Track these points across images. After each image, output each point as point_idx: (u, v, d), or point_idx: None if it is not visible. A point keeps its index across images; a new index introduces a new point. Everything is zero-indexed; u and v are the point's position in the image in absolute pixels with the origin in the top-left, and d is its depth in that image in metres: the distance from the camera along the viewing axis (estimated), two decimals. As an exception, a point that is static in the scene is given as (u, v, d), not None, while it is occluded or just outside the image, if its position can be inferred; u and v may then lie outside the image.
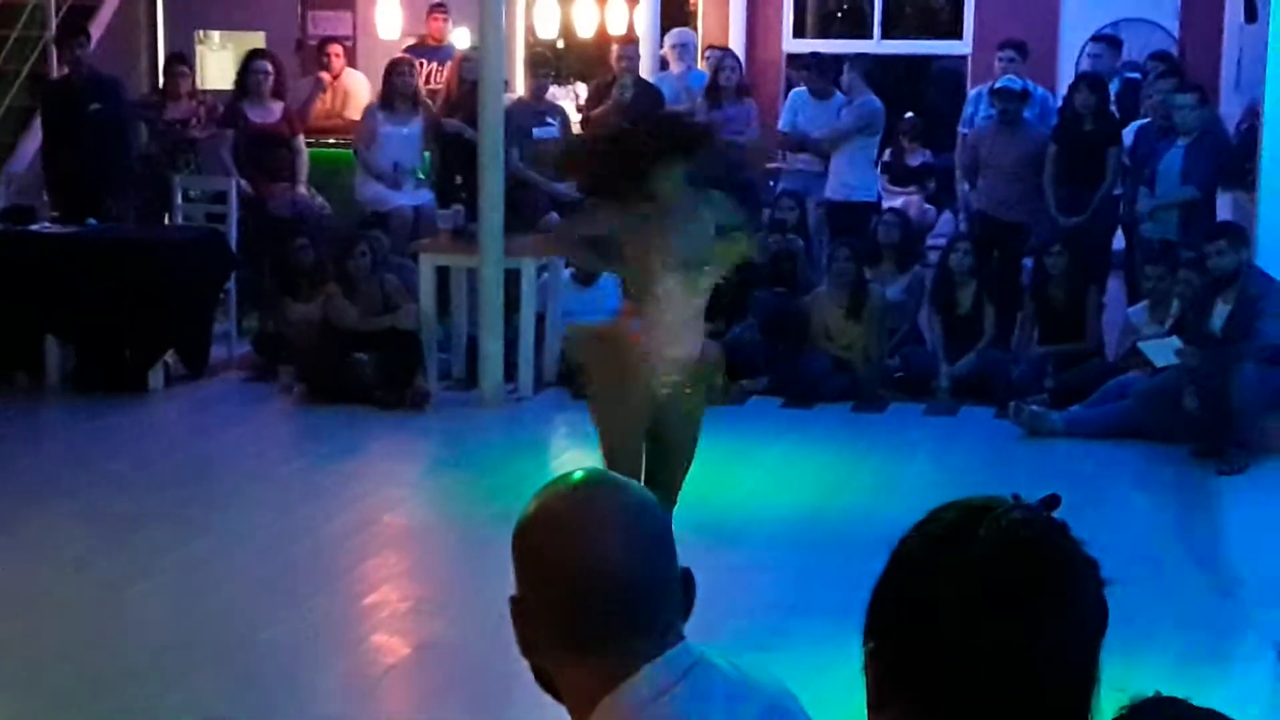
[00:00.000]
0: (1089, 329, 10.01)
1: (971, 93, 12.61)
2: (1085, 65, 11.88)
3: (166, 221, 10.91)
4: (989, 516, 1.56)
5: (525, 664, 2.07)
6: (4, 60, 11.28)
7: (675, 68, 12.57)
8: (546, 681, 2.04)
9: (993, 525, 1.55)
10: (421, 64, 12.16)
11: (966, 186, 11.46)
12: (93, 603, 6.59)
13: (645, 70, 12.78)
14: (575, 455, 9.11)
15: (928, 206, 13.25)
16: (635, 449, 6.32)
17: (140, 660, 6.00)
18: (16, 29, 11.40)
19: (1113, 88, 11.43)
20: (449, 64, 11.92)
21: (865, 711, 1.63)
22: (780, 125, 11.87)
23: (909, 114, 13.57)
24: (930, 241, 12.29)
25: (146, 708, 5.63)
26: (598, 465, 8.66)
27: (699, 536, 6.83)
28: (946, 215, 12.80)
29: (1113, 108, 11.00)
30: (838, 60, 11.97)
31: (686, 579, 2.03)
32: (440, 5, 12.95)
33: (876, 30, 14.91)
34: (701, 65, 12.84)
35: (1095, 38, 12.44)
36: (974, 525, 1.55)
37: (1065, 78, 12.66)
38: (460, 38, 13.28)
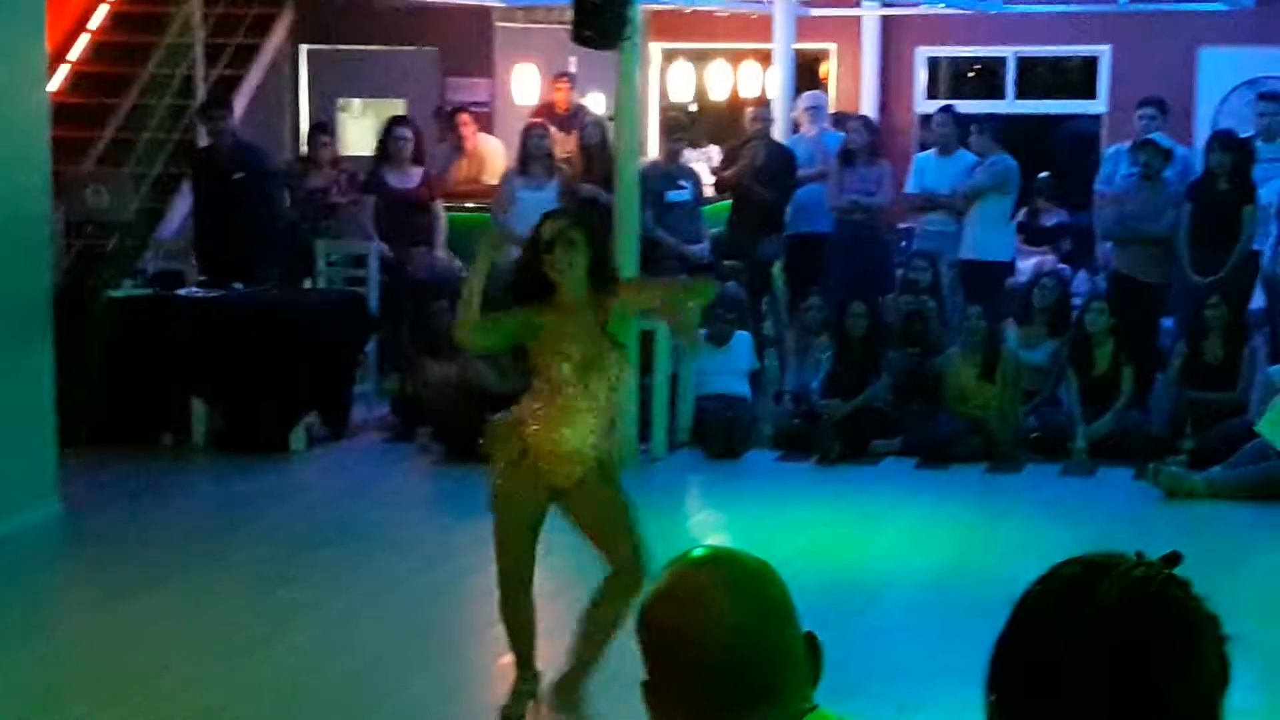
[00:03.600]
0: (1241, 382, 9.89)
1: (1109, 151, 12.53)
2: (1258, 125, 11.48)
3: (309, 285, 11.12)
4: (1111, 573, 1.56)
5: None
6: (154, 129, 11.60)
7: (808, 130, 12.62)
8: None
9: (1114, 581, 1.55)
10: (551, 130, 12.32)
11: (1107, 245, 11.36)
12: (236, 659, 6.71)
13: (778, 133, 12.85)
14: (708, 516, 9.15)
15: (1062, 266, 13.15)
16: (518, 535, 6.15)
17: (282, 717, 6.10)
18: (166, 98, 11.72)
19: None
20: (575, 131, 12.07)
21: None
22: (908, 187, 11.86)
23: (1043, 173, 13.50)
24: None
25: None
26: (729, 527, 8.69)
27: (834, 598, 6.82)
28: (1082, 275, 12.69)
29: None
30: (966, 120, 11.95)
31: (811, 644, 2.05)
32: (565, 74, 13.12)
33: (1010, 90, 14.88)
34: (833, 127, 12.87)
35: (1264, 95, 11.93)
36: (1095, 581, 1.56)
37: (1202, 135, 12.52)
38: (594, 102, 13.45)
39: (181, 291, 10.39)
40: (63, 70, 11.93)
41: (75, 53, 12.41)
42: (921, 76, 15.00)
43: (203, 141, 11.57)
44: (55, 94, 10.09)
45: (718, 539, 8.13)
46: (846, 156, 11.61)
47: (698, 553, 2.08)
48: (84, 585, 7.97)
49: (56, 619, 7.44)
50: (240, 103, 11.84)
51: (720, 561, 2.06)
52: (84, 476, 9.04)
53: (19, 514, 8.27)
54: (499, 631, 7.26)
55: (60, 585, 8.17)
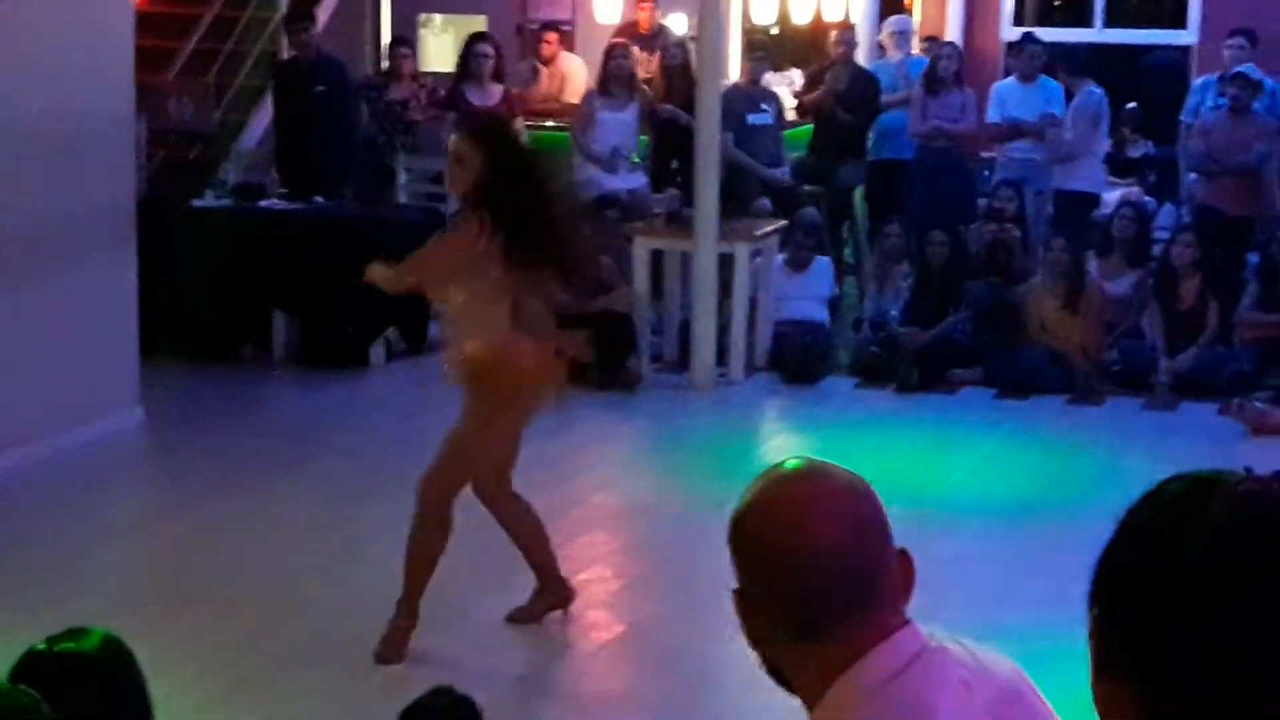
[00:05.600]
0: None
1: (1197, 82, 12.33)
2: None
3: (391, 200, 11.12)
4: (1220, 488, 1.54)
5: (734, 645, 2.10)
6: (237, 41, 11.60)
7: (892, 55, 12.48)
8: (777, 673, 2.05)
9: (1224, 497, 1.53)
10: (634, 50, 12.24)
11: (1192, 177, 11.21)
12: (316, 571, 6.78)
13: (862, 57, 12.72)
14: (784, 440, 9.14)
15: (1147, 199, 12.99)
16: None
17: (360, 628, 6.14)
18: (249, 10, 11.72)
19: None
20: (657, 51, 12.00)
21: (1082, 703, 1.63)
22: (989, 116, 11.72)
23: (1130, 104, 13.31)
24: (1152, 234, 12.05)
25: (364, 674, 5.78)
26: (806, 452, 8.68)
27: (910, 525, 6.80)
28: (1167, 208, 12.53)
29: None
30: (1051, 49, 11.78)
31: (904, 560, 2.05)
32: (648, -8, 13.03)
33: (1098, 19, 14.65)
34: (918, 52, 12.74)
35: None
36: (1205, 496, 1.54)
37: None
38: (676, 23, 13.35)
39: (263, 203, 10.42)
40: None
41: (159, -37, 12.43)
42: (1008, 2, 14.79)
43: (285, 54, 11.57)
44: (139, 3, 10.09)
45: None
46: (931, 83, 11.47)
47: (792, 464, 2.07)
48: (163, 491, 8.07)
49: (136, 522, 7.54)
50: (322, 16, 11.81)
51: (815, 473, 2.06)
52: (165, 386, 9.11)
53: (102, 420, 8.36)
54: (572, 550, 7.31)
55: (140, 490, 8.27)
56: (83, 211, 8.29)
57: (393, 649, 5.90)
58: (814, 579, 1.97)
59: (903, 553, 2.04)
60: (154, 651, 2.90)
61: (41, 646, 2.73)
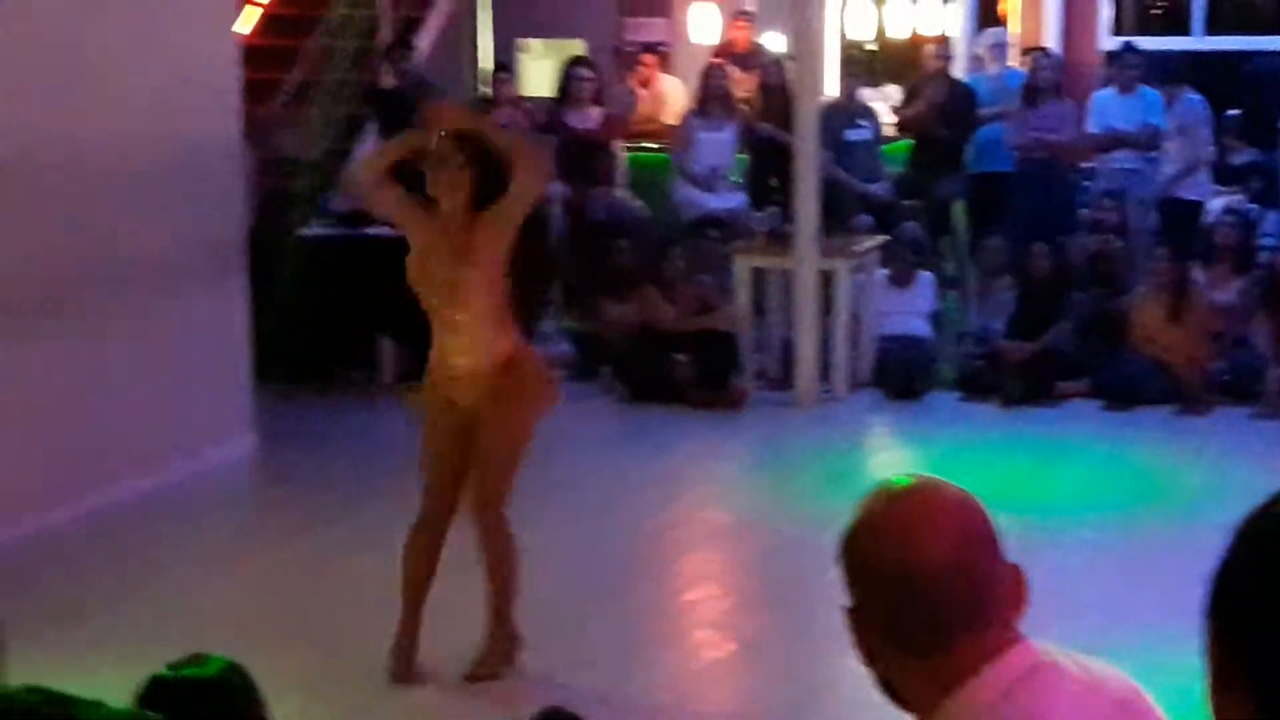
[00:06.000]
0: None
1: (1301, 87, 12.19)
2: None
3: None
4: None
5: (844, 662, 2.12)
6: (340, 71, 11.78)
7: (990, 67, 12.44)
8: (891, 690, 2.06)
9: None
10: (731, 70, 12.29)
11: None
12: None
13: (959, 70, 12.69)
14: (889, 455, 9.14)
15: (1251, 205, 12.84)
16: (437, 469, 6.06)
17: (470, 651, 6.22)
18: (351, 41, 11.89)
19: None
20: (755, 70, 12.04)
21: (1199, 718, 1.63)
22: (1089, 126, 11.64)
23: (1232, 111, 13.17)
24: (1256, 242, 11.91)
25: (473, 693, 5.85)
26: (912, 467, 8.66)
27: (1018, 538, 6.79)
28: (1272, 215, 12.38)
29: None
30: (1150, 58, 11.70)
31: (1016, 575, 2.04)
32: (744, 13, 13.07)
33: (1198, 27, 14.52)
34: (1016, 64, 12.68)
35: None
36: None
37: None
38: (773, 42, 13.38)
39: (368, 231, 10.56)
40: (252, 13, 12.15)
41: (263, -4, 12.65)
42: (1106, 12, 14.69)
43: (387, 82, 11.73)
44: (245, 37, 10.29)
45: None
46: (1030, 94, 11.42)
47: (901, 480, 2.08)
48: (276, 517, 8.19)
49: (249, 549, 7.66)
50: (423, 43, 11.97)
51: (925, 489, 2.06)
52: (276, 413, 9.26)
53: (216, 448, 8.52)
54: (679, 567, 7.37)
55: (253, 517, 8.41)
56: (194, 243, 8.45)
57: (489, 669, 5.89)
58: (926, 596, 1.98)
59: (1014, 567, 2.04)
60: (266, 677, 2.97)
61: (166, 673, 2.80)
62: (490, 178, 5.65)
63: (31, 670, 5.26)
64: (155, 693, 2.74)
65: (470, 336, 5.77)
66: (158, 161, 8.12)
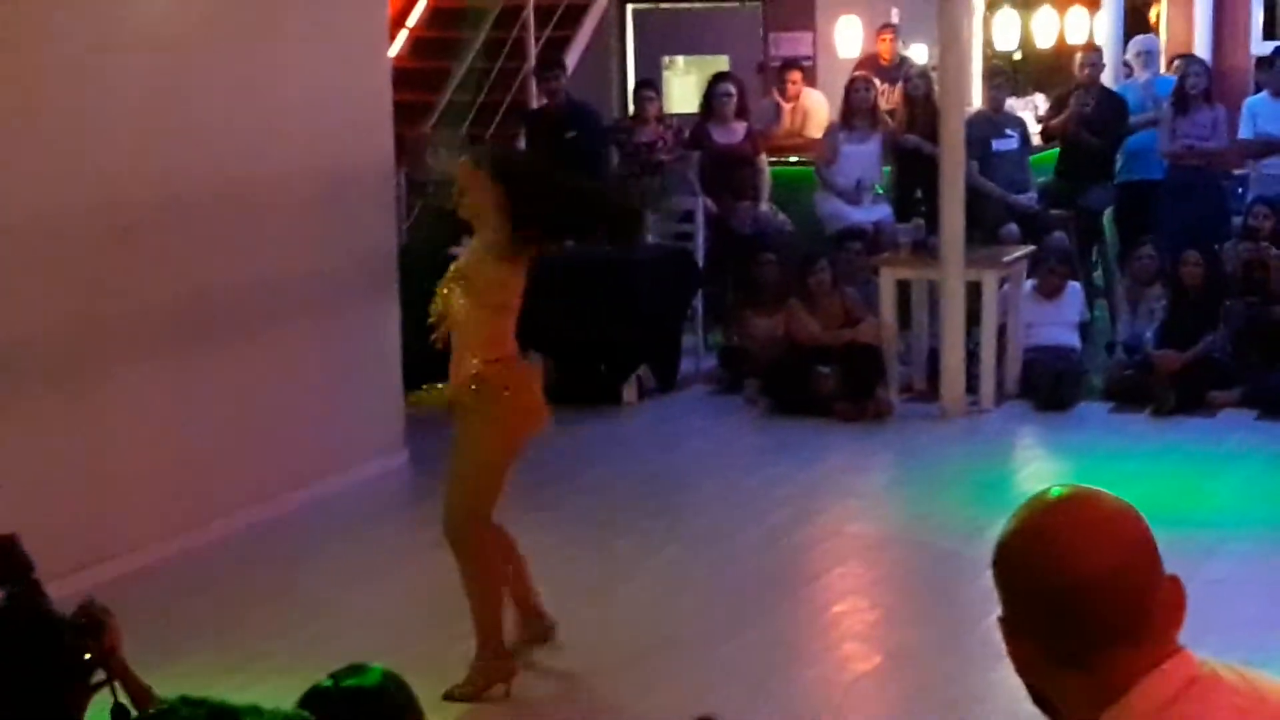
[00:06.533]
0: None
1: None
2: None
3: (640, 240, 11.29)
4: None
5: (993, 675, 2.12)
6: (489, 92, 11.94)
7: (1139, 75, 12.31)
8: (1044, 704, 2.04)
9: None
10: (875, 83, 12.27)
11: None
12: (572, 606, 6.92)
13: (1108, 79, 12.56)
14: (1039, 467, 9.06)
15: None
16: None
17: (617, 661, 6.29)
18: (499, 62, 12.05)
19: None
20: (900, 82, 12.02)
21: None
22: (1241, 132, 11.47)
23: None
24: None
25: (625, 706, 5.92)
26: (1062, 479, 8.59)
27: (1170, 550, 6.71)
28: None
29: None
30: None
31: (1175, 586, 2.02)
32: (888, 25, 13.05)
33: (1355, 27, 14.25)
34: (1165, 71, 12.54)
35: None
36: None
37: None
38: (917, 53, 13.35)
39: (516, 248, 10.69)
40: (402, 36, 12.37)
41: (413, 19, 12.85)
42: (1257, 17, 14.46)
43: (536, 102, 11.87)
44: (396, 59, 10.48)
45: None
46: (1180, 101, 11.29)
47: (1059, 490, 2.05)
48: (428, 532, 8.28)
49: (402, 562, 7.77)
50: (569, 62, 12.10)
51: (1085, 498, 2.03)
52: (429, 428, 9.38)
53: (370, 463, 8.68)
54: (826, 581, 7.38)
55: (406, 530, 8.52)
56: (348, 261, 8.62)
57: (472, 689, 5.82)
58: (1085, 606, 1.95)
59: (1173, 579, 2.01)
60: (419, 688, 3.04)
61: (326, 683, 2.87)
62: (520, 207, 5.69)
63: (193, 680, 5.42)
64: (316, 702, 2.80)
65: (456, 354, 5.86)
66: (313, 184, 8.30)
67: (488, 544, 5.94)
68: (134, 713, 3.28)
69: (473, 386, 5.80)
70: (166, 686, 3.36)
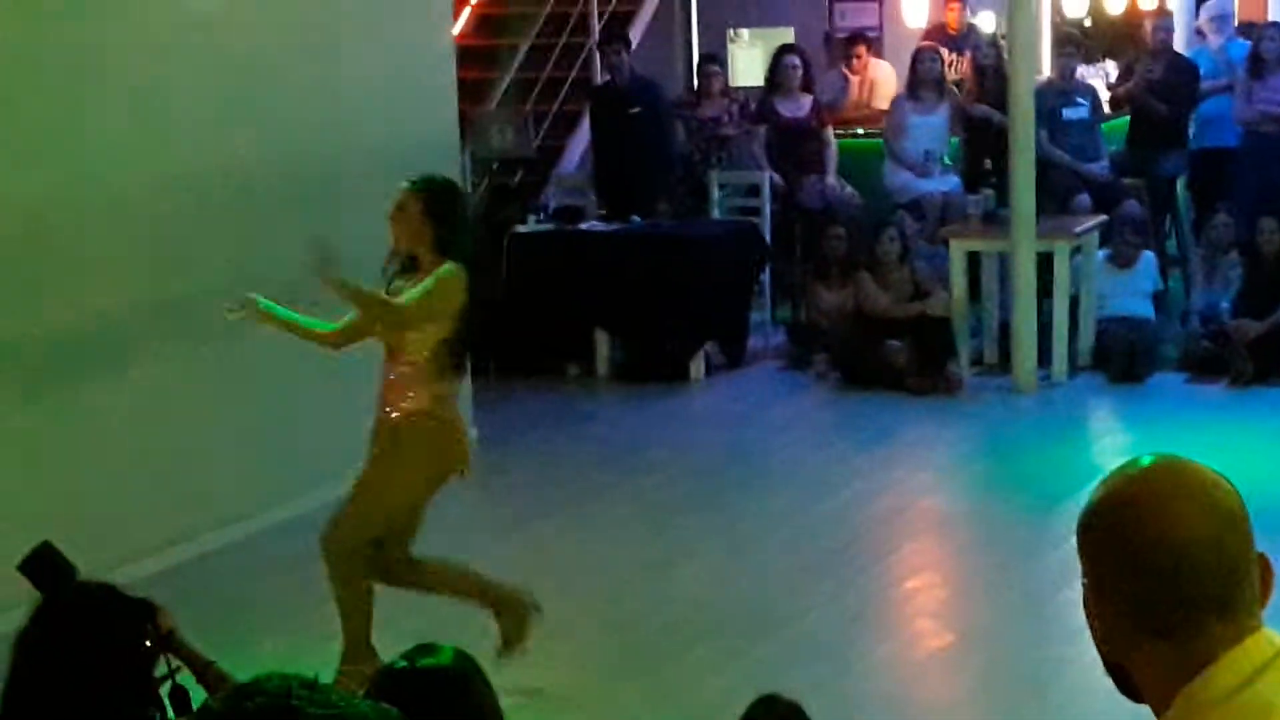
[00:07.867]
0: None
1: None
2: None
3: (706, 216, 11.27)
4: None
5: (1067, 650, 2.07)
6: (553, 67, 11.90)
7: (1212, 40, 12.12)
8: (1119, 676, 2.01)
9: None
10: (942, 53, 12.15)
11: None
12: (641, 581, 6.91)
13: (1180, 44, 12.38)
14: (1114, 440, 8.97)
15: None
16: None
17: (686, 636, 6.26)
18: (563, 37, 12.00)
19: None
20: (968, 52, 11.89)
21: None
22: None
23: None
24: None
25: (694, 681, 5.89)
26: (1137, 451, 8.49)
27: (1252, 525, 6.62)
28: None
29: None
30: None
31: (1264, 562, 1.98)
32: (956, -7, 12.92)
33: None
34: (1238, 36, 12.33)
35: None
36: None
37: None
38: (985, 22, 13.21)
39: (583, 226, 10.68)
40: (465, 14, 12.33)
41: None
42: (1334, -22, 14.21)
43: (600, 78, 11.82)
44: (459, 37, 10.44)
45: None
46: (1255, 67, 11.10)
47: (1148, 459, 2.01)
48: (495, 509, 8.31)
49: (468, 542, 7.74)
50: (633, 37, 12.04)
51: (1174, 468, 1.99)
52: (495, 406, 9.40)
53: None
54: (900, 556, 7.32)
55: (473, 510, 8.52)
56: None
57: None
58: (1181, 572, 1.92)
59: (1262, 555, 1.98)
60: (488, 668, 3.01)
61: (401, 663, 2.85)
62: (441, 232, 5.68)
63: (266, 661, 5.40)
64: (390, 682, 2.78)
65: (383, 384, 5.74)
66: (377, 162, 8.27)
67: (358, 567, 5.77)
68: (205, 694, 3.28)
69: (394, 429, 5.70)
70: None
